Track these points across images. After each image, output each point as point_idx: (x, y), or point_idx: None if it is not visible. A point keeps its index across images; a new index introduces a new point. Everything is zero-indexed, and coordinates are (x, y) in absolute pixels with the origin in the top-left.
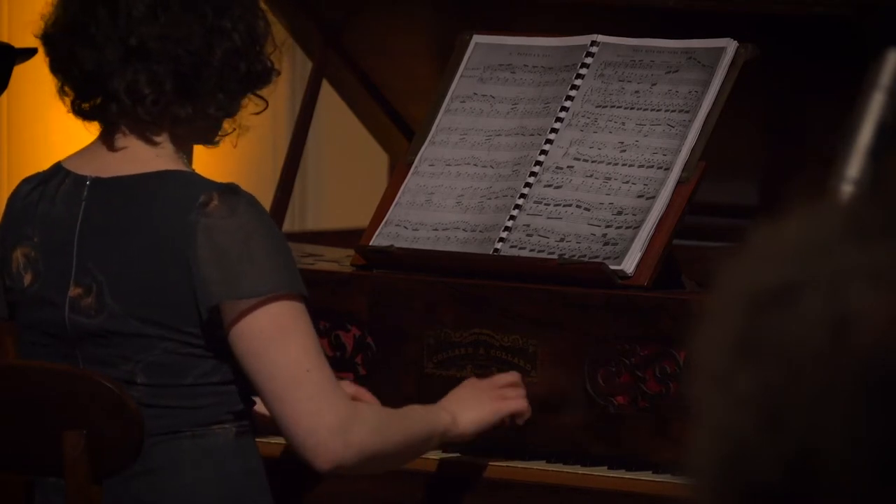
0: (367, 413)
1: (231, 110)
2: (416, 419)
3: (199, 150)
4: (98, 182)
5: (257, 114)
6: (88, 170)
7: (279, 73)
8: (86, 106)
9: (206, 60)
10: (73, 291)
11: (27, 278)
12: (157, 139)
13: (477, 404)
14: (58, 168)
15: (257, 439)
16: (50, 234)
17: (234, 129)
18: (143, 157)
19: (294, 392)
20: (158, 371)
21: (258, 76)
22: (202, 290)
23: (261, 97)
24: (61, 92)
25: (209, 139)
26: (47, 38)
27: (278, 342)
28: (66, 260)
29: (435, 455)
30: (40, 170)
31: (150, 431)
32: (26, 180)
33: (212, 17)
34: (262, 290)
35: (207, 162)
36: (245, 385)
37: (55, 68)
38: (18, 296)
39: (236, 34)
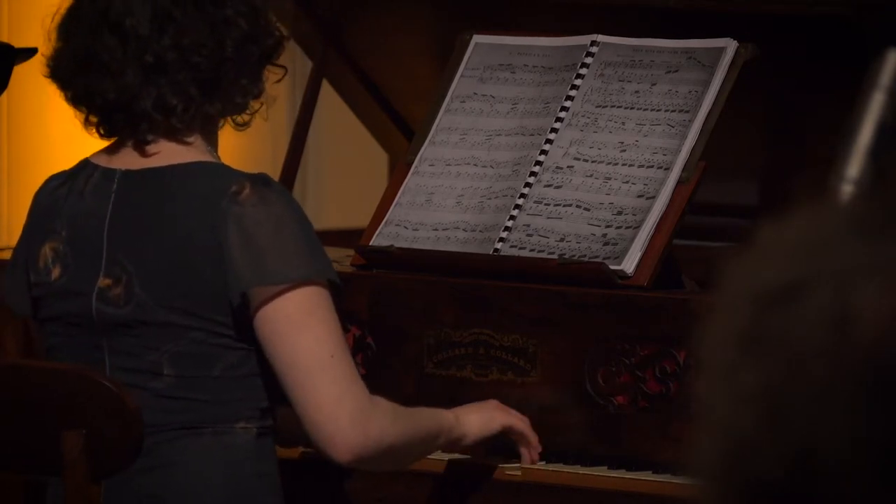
0: (385, 405)
1: (257, 91)
2: (424, 416)
3: None
4: (128, 174)
5: (279, 81)
6: (118, 163)
7: (289, 38)
8: (115, 134)
9: (221, 57)
10: (103, 282)
11: (55, 272)
12: (188, 138)
13: (481, 411)
14: (85, 163)
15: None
16: (79, 228)
17: (262, 104)
18: (173, 151)
19: (316, 377)
20: (186, 362)
21: (270, 50)
22: (232, 277)
23: (278, 65)
24: (87, 122)
25: (239, 121)
26: (59, 74)
27: (302, 327)
28: (95, 251)
29: (442, 456)
30: (40, 170)
31: (172, 426)
32: (53, 177)
33: (213, 10)
34: (291, 277)
35: None
36: (271, 380)
37: (76, 101)
38: (45, 290)
39: (241, 19)
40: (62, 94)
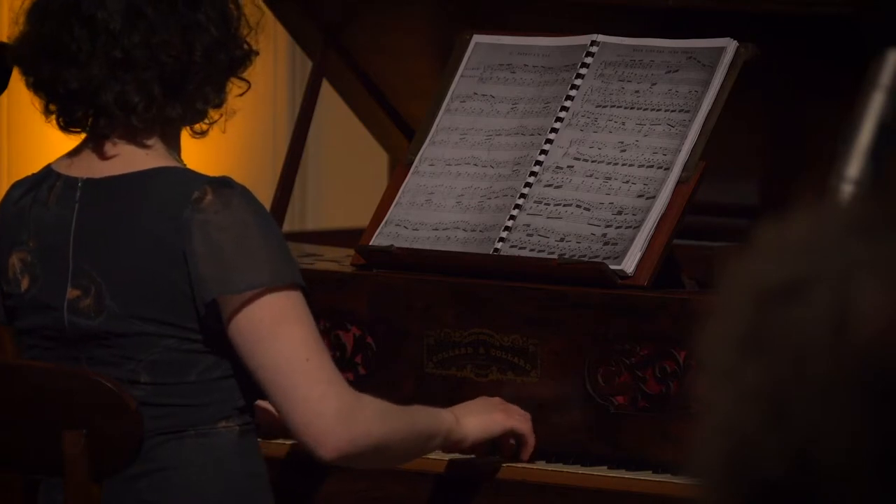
0: (372, 403)
1: (218, 101)
2: (420, 415)
3: (199, 149)
4: (90, 183)
5: (241, 95)
6: (79, 171)
7: (258, 54)
8: (74, 125)
9: (189, 60)
10: (71, 294)
11: (24, 283)
12: (148, 141)
13: (482, 412)
14: (48, 171)
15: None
16: (45, 238)
17: (221, 115)
18: (134, 156)
19: (296, 380)
20: (161, 369)
21: (238, 61)
22: (199, 286)
23: (242, 79)
24: (46, 111)
25: (196, 129)
26: (24, 59)
27: (277, 332)
28: (62, 263)
29: (442, 456)
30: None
31: (155, 431)
32: (16, 185)
33: (186, 13)
34: (257, 283)
35: (207, 162)
36: (247, 379)
37: (37, 88)
38: (17, 301)
39: (212, 25)
40: (24, 79)
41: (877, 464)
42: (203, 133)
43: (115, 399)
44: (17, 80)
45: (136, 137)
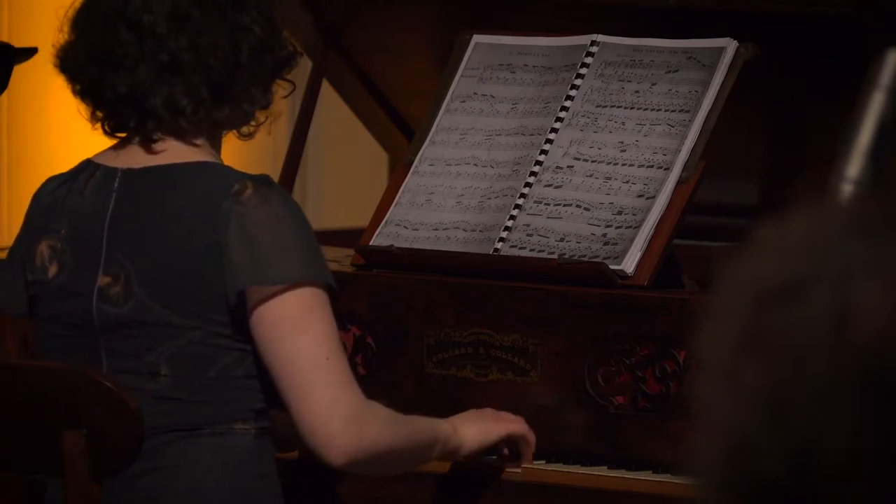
0: (381, 409)
1: (265, 102)
2: (423, 423)
3: None
4: (129, 173)
5: (286, 97)
6: (120, 162)
7: (302, 55)
8: (120, 130)
9: (235, 62)
10: (102, 281)
11: (52, 270)
12: (196, 140)
13: (478, 421)
14: (87, 163)
15: None
16: (79, 226)
17: (267, 118)
18: (176, 150)
19: (312, 379)
20: (182, 362)
21: (284, 62)
22: (231, 276)
23: (287, 80)
24: (93, 117)
25: (244, 132)
26: (69, 67)
27: (299, 329)
28: (95, 250)
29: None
30: (40, 169)
31: (168, 427)
32: (52, 178)
33: (232, 15)
34: (289, 278)
35: None
36: (266, 381)
37: (84, 95)
38: (41, 288)
39: (257, 27)
40: (70, 86)
41: (877, 464)
42: (250, 135)
43: (116, 399)
44: (17, 79)
45: (182, 136)
